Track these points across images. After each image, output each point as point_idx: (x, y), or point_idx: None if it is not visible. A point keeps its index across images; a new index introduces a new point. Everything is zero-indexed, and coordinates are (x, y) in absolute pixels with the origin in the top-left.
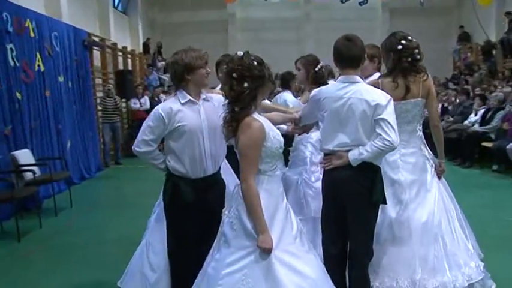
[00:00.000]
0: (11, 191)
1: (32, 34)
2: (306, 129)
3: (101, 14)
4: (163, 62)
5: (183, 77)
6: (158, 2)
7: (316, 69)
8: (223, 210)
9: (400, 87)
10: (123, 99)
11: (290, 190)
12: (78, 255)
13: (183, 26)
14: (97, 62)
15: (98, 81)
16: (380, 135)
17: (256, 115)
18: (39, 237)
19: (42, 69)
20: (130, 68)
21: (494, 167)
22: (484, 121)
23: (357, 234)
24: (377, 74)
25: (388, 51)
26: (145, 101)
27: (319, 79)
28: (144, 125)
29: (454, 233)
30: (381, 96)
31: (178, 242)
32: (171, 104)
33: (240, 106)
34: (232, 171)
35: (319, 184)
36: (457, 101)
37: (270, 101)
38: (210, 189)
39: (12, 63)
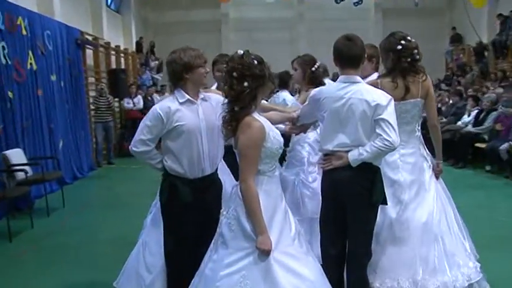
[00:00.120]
0: (3, 190)
1: (24, 32)
2: (303, 129)
3: (94, 13)
4: (156, 62)
5: (182, 76)
6: (151, 1)
7: (313, 69)
8: (221, 211)
9: (400, 87)
10: (116, 99)
11: (287, 190)
12: (70, 255)
13: (176, 25)
14: (90, 61)
15: (91, 80)
16: (380, 135)
17: (256, 115)
18: (31, 238)
19: (34, 67)
20: (123, 67)
21: (487, 168)
22: (477, 122)
23: (357, 235)
24: (375, 74)
25: (387, 51)
26: (139, 100)
27: (316, 79)
28: (142, 124)
29: (452, 233)
30: (381, 97)
31: (175, 242)
32: (169, 103)
33: (240, 105)
34: (229, 171)
35: (316, 184)
36: (450, 101)
37: (267, 100)
38: (208, 189)
39: (4, 62)
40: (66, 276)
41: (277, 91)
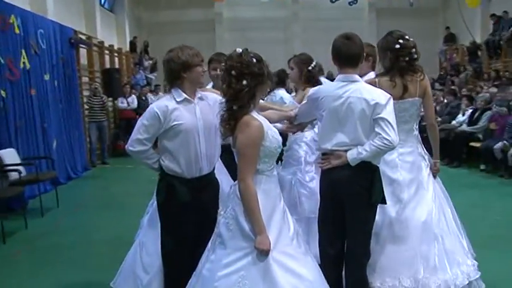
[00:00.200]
0: None
1: (16, 31)
2: (301, 127)
3: (87, 12)
4: (150, 61)
5: (179, 74)
6: (144, 1)
7: (310, 68)
8: (218, 210)
9: (398, 86)
10: (110, 99)
11: (284, 190)
12: (65, 256)
13: (170, 25)
14: (83, 60)
15: (85, 79)
16: (379, 134)
17: (255, 114)
18: (25, 238)
19: (27, 67)
20: (117, 66)
21: (482, 167)
22: (471, 121)
23: (356, 235)
24: (372, 73)
25: (385, 50)
26: (133, 100)
27: (312, 78)
28: (139, 123)
29: (450, 232)
30: (380, 95)
31: (173, 242)
32: (166, 102)
33: (238, 104)
34: (226, 170)
35: (313, 184)
36: (445, 101)
37: (263, 99)
38: (205, 189)
39: None
40: (61, 276)
41: (274, 89)
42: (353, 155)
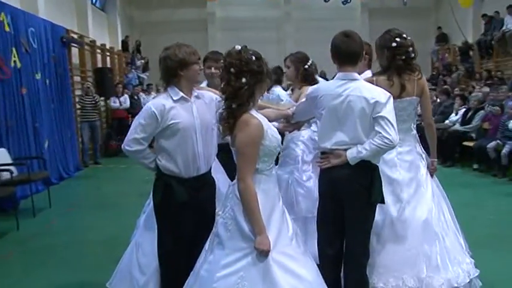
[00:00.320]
0: None
1: (7, 29)
2: (297, 126)
3: (79, 10)
4: (142, 61)
5: (176, 72)
6: (135, 0)
7: (306, 66)
8: (216, 210)
9: (396, 85)
10: (102, 98)
11: (280, 189)
12: (59, 256)
13: (162, 24)
14: (75, 59)
15: (77, 79)
16: (379, 133)
17: (254, 112)
18: (17, 239)
19: (18, 65)
20: (109, 66)
21: (475, 166)
22: (464, 121)
23: (355, 234)
24: (368, 71)
25: (382, 48)
26: (125, 99)
27: (309, 76)
28: (135, 122)
29: (449, 230)
30: (380, 94)
31: (171, 243)
32: (163, 101)
33: (237, 102)
34: (222, 169)
35: (310, 183)
36: (438, 100)
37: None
38: (202, 188)
39: None
40: (55, 277)
41: (272, 87)
42: (353, 154)
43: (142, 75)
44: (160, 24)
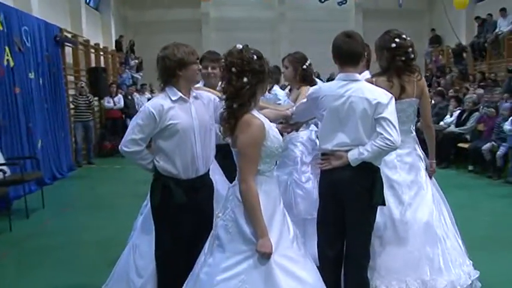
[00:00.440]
0: None
1: (0, 27)
2: (296, 127)
3: (73, 10)
4: (136, 60)
5: (175, 72)
6: (129, 0)
7: (304, 66)
8: (216, 212)
9: (395, 86)
10: (96, 98)
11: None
12: (54, 258)
13: (156, 24)
14: (69, 59)
15: (70, 78)
16: (381, 134)
17: (255, 112)
18: (10, 241)
19: (11, 64)
20: (103, 65)
21: (470, 168)
22: (459, 122)
23: (356, 236)
24: (366, 72)
25: (382, 49)
26: (119, 99)
27: (307, 76)
28: (133, 123)
29: (449, 232)
30: (382, 95)
31: (168, 245)
32: (161, 101)
33: (238, 102)
34: (221, 171)
35: (309, 184)
36: (433, 102)
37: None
38: (200, 189)
39: None
40: (50, 279)
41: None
42: (354, 156)
43: (136, 75)
44: (154, 24)
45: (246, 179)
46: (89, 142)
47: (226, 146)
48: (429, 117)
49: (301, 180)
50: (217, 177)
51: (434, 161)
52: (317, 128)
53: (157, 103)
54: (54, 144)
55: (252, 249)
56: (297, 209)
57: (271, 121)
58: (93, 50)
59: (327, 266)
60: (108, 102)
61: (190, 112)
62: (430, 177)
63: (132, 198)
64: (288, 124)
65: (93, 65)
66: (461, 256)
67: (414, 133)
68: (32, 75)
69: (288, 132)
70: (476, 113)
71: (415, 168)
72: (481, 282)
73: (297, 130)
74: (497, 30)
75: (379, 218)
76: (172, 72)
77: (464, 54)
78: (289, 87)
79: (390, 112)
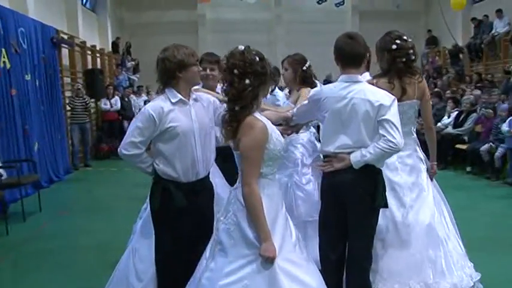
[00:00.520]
0: None
1: None
2: (296, 129)
3: (69, 11)
4: (133, 62)
5: (175, 74)
6: (126, 1)
7: (304, 68)
8: (218, 216)
9: (396, 88)
10: (93, 100)
11: None
12: (51, 262)
13: (152, 26)
14: (65, 60)
15: (67, 80)
16: (384, 136)
17: (257, 115)
18: (7, 245)
19: (7, 66)
20: (99, 67)
21: (468, 169)
22: (456, 123)
23: (359, 238)
24: (367, 73)
25: (382, 51)
26: (116, 101)
27: (307, 78)
28: (132, 125)
29: (451, 234)
30: (384, 97)
31: (169, 249)
32: (161, 104)
33: (240, 105)
34: (220, 173)
35: (310, 186)
36: (430, 103)
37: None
38: (201, 192)
39: None
40: (49, 284)
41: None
42: (357, 158)
43: (132, 77)
44: (150, 25)
45: (249, 182)
46: (85, 144)
47: (226, 148)
48: (430, 119)
49: (302, 182)
50: (217, 180)
51: (435, 163)
52: (315, 129)
53: (157, 105)
54: (51, 146)
55: (255, 253)
56: (297, 211)
57: (272, 123)
58: (89, 52)
59: (329, 268)
60: (104, 104)
61: (190, 115)
62: (431, 179)
63: (129, 201)
64: (288, 126)
65: (89, 66)
66: (463, 258)
67: (415, 135)
68: (28, 77)
69: (288, 134)
70: (474, 114)
71: (416, 170)
72: (482, 283)
73: (297, 132)
74: (493, 32)
75: (381, 220)
76: (172, 74)
77: (461, 55)
78: (287, 88)
79: (393, 114)
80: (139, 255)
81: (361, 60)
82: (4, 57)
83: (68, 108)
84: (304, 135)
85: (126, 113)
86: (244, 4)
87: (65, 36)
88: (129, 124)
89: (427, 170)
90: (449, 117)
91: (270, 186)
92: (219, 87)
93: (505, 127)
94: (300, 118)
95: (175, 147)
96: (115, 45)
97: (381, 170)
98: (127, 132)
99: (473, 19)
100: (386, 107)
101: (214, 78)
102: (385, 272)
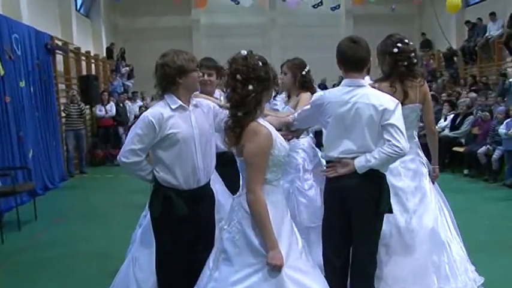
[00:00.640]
0: None
1: None
2: (296, 134)
3: (63, 17)
4: (127, 68)
5: (174, 80)
6: (120, 7)
7: (304, 72)
8: (221, 225)
9: (398, 92)
10: (88, 106)
11: None
12: (49, 271)
13: (147, 31)
14: (60, 66)
15: (61, 86)
16: (389, 141)
17: (261, 120)
18: (3, 254)
19: (1, 73)
20: (94, 73)
21: (466, 171)
22: (453, 126)
23: (363, 244)
24: (367, 77)
25: (384, 54)
26: (111, 107)
27: (306, 83)
28: (131, 133)
29: (453, 238)
30: (389, 101)
31: (169, 257)
32: (161, 110)
33: (244, 110)
34: (221, 180)
35: (312, 192)
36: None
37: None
38: (202, 200)
39: None
40: None
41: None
42: (361, 163)
43: (127, 83)
44: (144, 31)
45: (254, 189)
46: (80, 151)
47: (224, 154)
48: (432, 122)
49: (304, 187)
50: (218, 186)
51: (437, 166)
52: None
53: (156, 112)
54: (46, 153)
55: (261, 261)
56: (300, 217)
57: (275, 129)
58: (84, 58)
59: (333, 274)
60: (99, 111)
61: (190, 121)
62: (433, 183)
63: (126, 208)
64: (289, 131)
65: (84, 72)
66: (465, 262)
67: (417, 139)
68: (22, 84)
69: (289, 140)
70: (471, 117)
71: (418, 174)
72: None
73: (297, 137)
74: (487, 34)
75: (384, 226)
76: (172, 79)
77: (455, 58)
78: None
79: (397, 118)
80: (140, 264)
81: (364, 64)
82: None
83: (63, 114)
84: (305, 140)
85: (121, 119)
86: (238, 8)
87: (59, 43)
88: (124, 130)
89: (429, 174)
90: (445, 120)
91: (274, 192)
92: (217, 92)
93: (502, 129)
94: (302, 123)
95: (176, 154)
96: (109, 51)
97: (385, 175)
98: (126, 140)
99: (467, 22)
100: (390, 111)
101: (212, 84)
102: (389, 278)
